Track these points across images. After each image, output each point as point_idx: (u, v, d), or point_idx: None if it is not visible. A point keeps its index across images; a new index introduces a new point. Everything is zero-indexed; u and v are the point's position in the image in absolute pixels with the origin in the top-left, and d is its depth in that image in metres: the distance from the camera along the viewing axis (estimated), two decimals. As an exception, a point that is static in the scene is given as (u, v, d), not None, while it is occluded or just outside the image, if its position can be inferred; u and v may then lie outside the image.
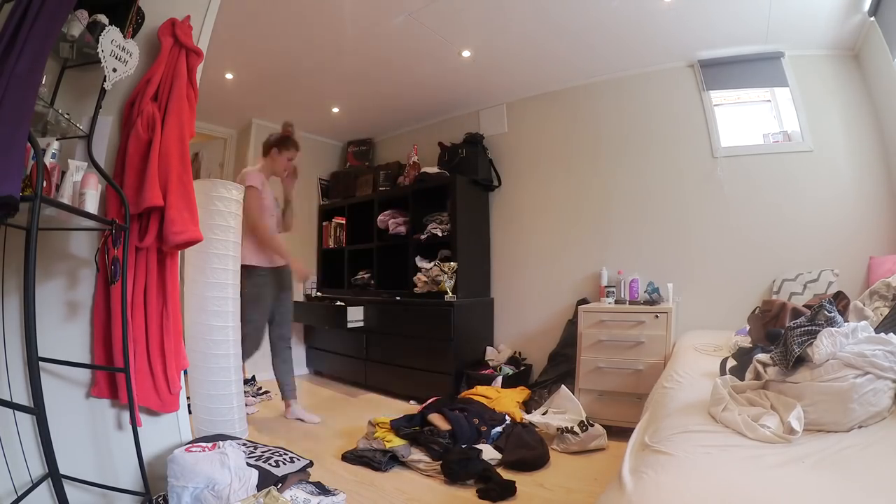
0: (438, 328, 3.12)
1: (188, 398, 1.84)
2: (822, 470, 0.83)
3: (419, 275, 3.40)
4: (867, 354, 1.05)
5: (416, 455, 2.03)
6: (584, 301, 3.06)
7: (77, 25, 1.29)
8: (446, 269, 3.21)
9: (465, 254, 3.34)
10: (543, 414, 2.40)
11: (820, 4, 2.28)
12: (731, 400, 1.17)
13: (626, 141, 3.12)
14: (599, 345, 2.52)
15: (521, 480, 1.83)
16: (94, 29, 1.34)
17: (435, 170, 3.55)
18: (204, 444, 1.56)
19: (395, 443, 2.07)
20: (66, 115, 1.31)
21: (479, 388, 2.72)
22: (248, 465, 1.55)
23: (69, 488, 1.13)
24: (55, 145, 1.23)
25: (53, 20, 1.06)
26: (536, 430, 2.26)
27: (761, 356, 1.29)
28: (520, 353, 3.36)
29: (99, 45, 1.32)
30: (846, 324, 1.18)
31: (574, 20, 2.54)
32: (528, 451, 2.04)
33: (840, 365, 1.06)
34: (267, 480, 1.50)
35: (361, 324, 3.46)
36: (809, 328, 1.16)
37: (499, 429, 2.26)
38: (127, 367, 1.37)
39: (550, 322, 3.27)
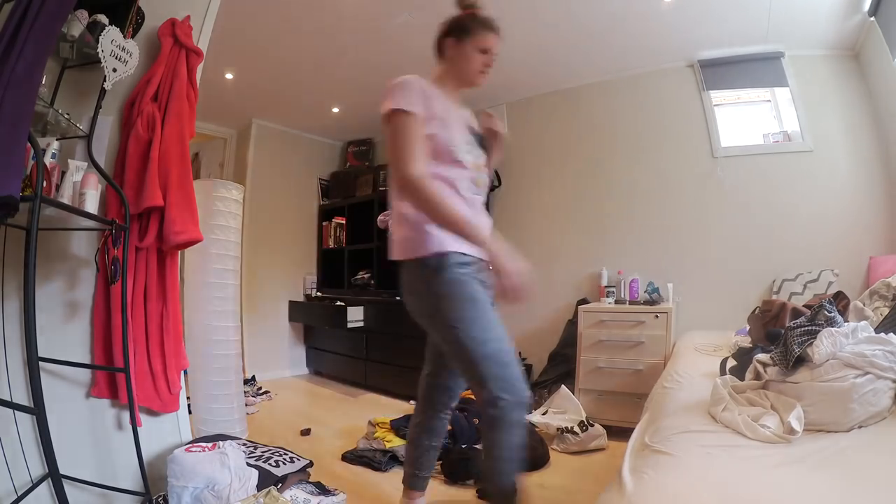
0: (438, 328, 3.11)
1: (188, 398, 1.84)
2: (822, 470, 0.83)
3: (419, 275, 3.39)
4: (867, 354, 1.04)
5: (416, 455, 2.03)
6: (584, 301, 3.06)
7: (77, 25, 1.29)
8: (446, 269, 3.20)
9: (465, 254, 3.33)
10: (543, 414, 2.39)
11: (820, 4, 2.28)
12: (731, 400, 1.17)
13: (627, 141, 3.12)
14: (599, 345, 2.52)
15: (521, 480, 1.83)
16: (94, 29, 1.34)
17: (435, 170, 3.54)
18: (204, 444, 1.56)
19: (395, 443, 2.07)
20: (66, 115, 1.31)
21: (480, 388, 2.72)
22: (248, 465, 1.55)
23: (69, 488, 1.13)
24: (55, 145, 1.23)
25: (53, 20, 1.06)
26: (536, 430, 2.26)
27: (761, 356, 1.29)
28: (520, 353, 3.35)
29: (99, 45, 1.32)
30: (846, 324, 1.18)
31: (574, 21, 2.54)
32: (528, 451, 2.03)
33: (840, 365, 1.05)
34: (267, 480, 1.50)
35: (361, 324, 3.47)
36: (809, 328, 1.16)
37: (499, 429, 2.26)
38: (127, 367, 1.37)
39: (550, 322, 3.27)
